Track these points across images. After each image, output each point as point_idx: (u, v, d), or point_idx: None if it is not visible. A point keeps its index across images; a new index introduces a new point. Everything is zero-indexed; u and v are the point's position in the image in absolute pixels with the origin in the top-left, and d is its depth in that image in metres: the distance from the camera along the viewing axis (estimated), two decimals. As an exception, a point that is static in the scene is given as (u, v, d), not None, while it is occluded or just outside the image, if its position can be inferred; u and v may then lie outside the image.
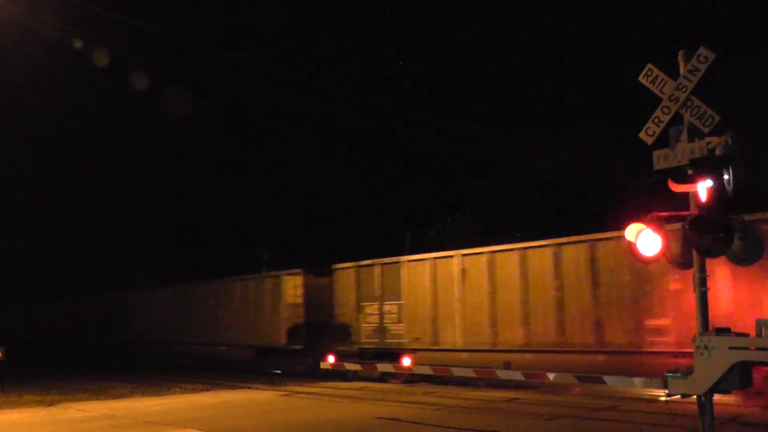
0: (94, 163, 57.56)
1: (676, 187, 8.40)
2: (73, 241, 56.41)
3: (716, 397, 8.09)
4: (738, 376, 7.63)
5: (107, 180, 58.87)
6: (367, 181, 46.10)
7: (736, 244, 7.91)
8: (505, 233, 25.64)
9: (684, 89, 8.51)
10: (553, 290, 16.89)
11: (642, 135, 8.80)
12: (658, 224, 8.19)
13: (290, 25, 62.66)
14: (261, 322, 25.50)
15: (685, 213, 8.36)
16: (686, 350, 11.19)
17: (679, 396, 8.21)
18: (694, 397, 7.98)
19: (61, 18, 15.85)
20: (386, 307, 20.96)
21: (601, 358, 15.74)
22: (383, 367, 16.41)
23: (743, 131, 8.29)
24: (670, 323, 14.64)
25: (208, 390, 19.50)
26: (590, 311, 16.17)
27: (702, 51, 8.43)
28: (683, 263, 8.51)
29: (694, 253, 8.22)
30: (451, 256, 19.45)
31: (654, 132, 8.73)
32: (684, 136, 8.56)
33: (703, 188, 7.91)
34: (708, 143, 8.28)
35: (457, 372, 15.73)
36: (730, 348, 7.58)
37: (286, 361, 24.39)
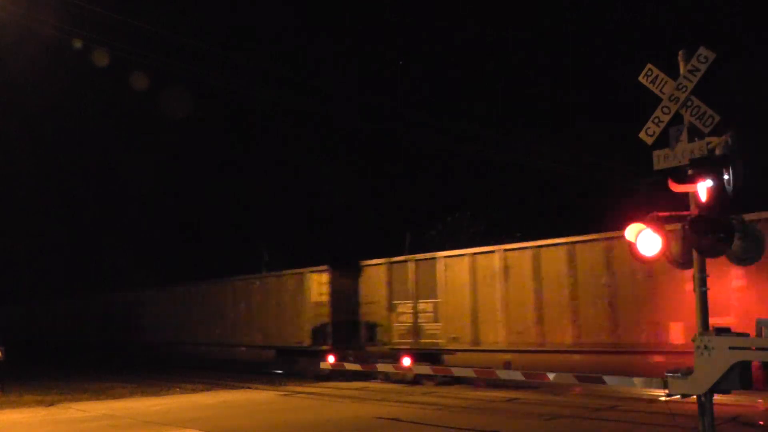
0: (94, 163, 57.55)
1: (676, 187, 8.40)
2: (73, 241, 56.41)
3: (716, 397, 8.10)
4: (738, 376, 7.63)
5: (107, 180, 58.85)
6: (367, 181, 46.10)
7: (736, 244, 7.92)
8: (505, 233, 25.63)
9: (684, 89, 8.51)
10: (605, 287, 15.98)
11: (642, 135, 8.81)
12: (658, 224, 8.19)
13: (290, 25, 62.68)
14: (282, 321, 24.51)
15: (685, 213, 8.37)
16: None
17: (679, 396, 8.22)
18: (694, 397, 7.98)
19: (61, 18, 15.87)
20: (421, 306, 19.97)
21: (657, 359, 14.84)
22: (383, 367, 16.42)
23: (743, 131, 8.30)
24: (734, 323, 14.03)
25: (208, 390, 19.50)
26: (646, 310, 15.21)
27: (702, 51, 8.44)
28: (683, 263, 8.52)
29: (694, 253, 8.22)
30: (493, 251, 18.48)
31: (654, 132, 8.74)
32: (684, 136, 8.57)
33: (703, 188, 7.92)
34: (708, 143, 8.29)
35: (457, 372, 15.78)
36: (730, 348, 7.59)
37: (310, 362, 22.24)
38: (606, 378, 10.80)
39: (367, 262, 21.93)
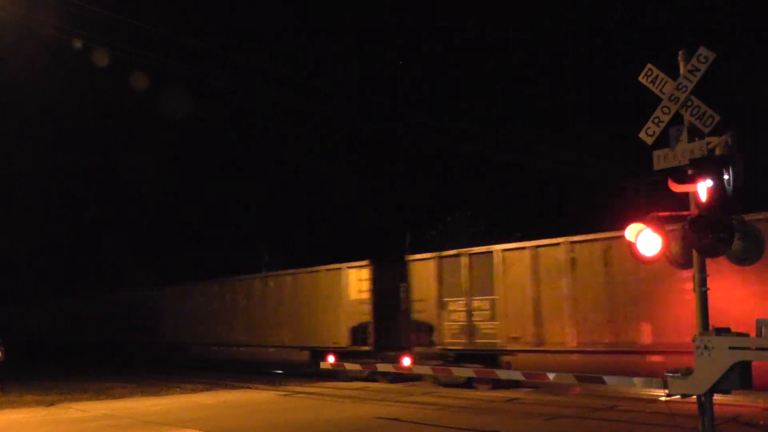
0: (94, 163, 57.57)
1: (676, 187, 8.40)
2: (73, 241, 56.44)
3: (716, 397, 8.10)
4: (738, 376, 7.63)
5: (107, 180, 58.88)
6: (367, 181, 46.13)
7: (736, 244, 7.92)
8: (505, 233, 25.63)
9: (684, 89, 8.51)
10: (686, 282, 14.03)
11: (642, 135, 8.81)
12: (658, 224, 8.19)
13: (290, 25, 62.70)
14: (316, 321, 23.04)
15: (685, 213, 8.37)
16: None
17: (679, 396, 8.22)
18: (694, 397, 7.98)
19: (61, 18, 15.86)
20: (475, 303, 18.50)
21: None
22: (383, 367, 16.42)
23: (743, 131, 8.31)
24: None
25: (208, 390, 19.50)
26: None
27: (702, 51, 8.44)
28: (683, 263, 8.52)
29: (694, 253, 8.22)
30: (557, 244, 16.98)
31: (654, 132, 8.74)
32: (684, 136, 8.57)
33: (703, 188, 7.92)
34: (708, 143, 8.29)
35: (457, 372, 15.78)
36: (730, 348, 7.59)
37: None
38: (606, 378, 10.82)
39: (413, 256, 20.65)
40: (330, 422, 13.12)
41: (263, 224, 45.10)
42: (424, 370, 16.14)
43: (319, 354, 21.66)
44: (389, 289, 21.01)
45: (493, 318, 18.08)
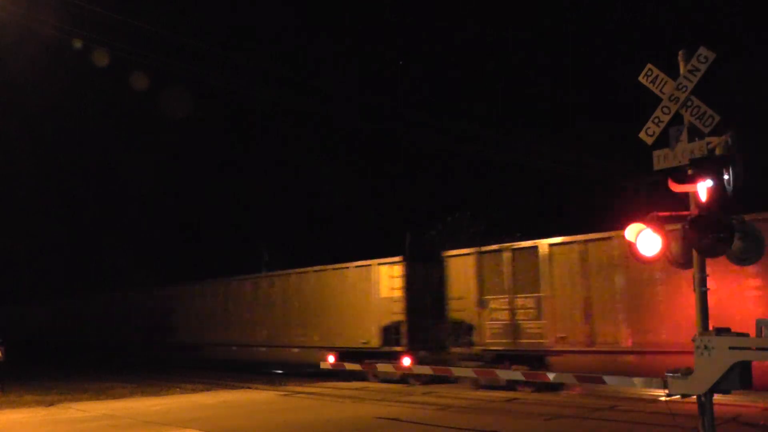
0: (94, 163, 57.56)
1: (676, 187, 8.41)
2: (73, 241, 56.45)
3: (716, 397, 8.10)
4: (738, 376, 7.63)
5: (107, 180, 58.86)
6: (367, 181, 46.13)
7: (736, 244, 7.92)
8: (505, 233, 25.63)
9: (684, 89, 8.51)
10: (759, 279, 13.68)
11: (642, 135, 8.81)
12: (658, 224, 8.19)
13: (290, 25, 62.68)
14: (344, 320, 22.10)
15: (685, 213, 8.37)
16: None
17: (679, 396, 8.22)
18: (694, 397, 7.99)
19: (61, 18, 15.86)
20: (519, 301, 17.57)
21: None
22: (383, 367, 16.43)
23: (743, 131, 8.30)
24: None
25: (208, 390, 19.51)
26: None
27: (702, 51, 8.44)
28: (683, 263, 8.52)
29: (694, 253, 8.22)
30: (610, 238, 15.97)
31: (654, 132, 8.74)
32: (684, 136, 8.57)
33: (703, 188, 7.92)
34: (708, 143, 8.29)
35: (457, 372, 15.77)
36: (730, 348, 7.59)
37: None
38: (606, 378, 10.83)
39: (450, 252, 19.67)
40: (330, 422, 13.12)
41: (263, 224, 45.14)
42: (424, 370, 16.11)
43: (348, 355, 20.82)
44: (423, 287, 20.29)
45: (539, 317, 17.18)
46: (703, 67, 8.43)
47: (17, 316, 46.01)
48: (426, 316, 20.01)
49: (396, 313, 20.35)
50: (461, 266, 19.16)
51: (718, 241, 7.75)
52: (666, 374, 8.10)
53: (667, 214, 8.44)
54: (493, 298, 18.22)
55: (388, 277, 20.77)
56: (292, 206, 47.86)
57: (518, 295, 17.68)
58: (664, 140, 8.73)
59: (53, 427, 13.13)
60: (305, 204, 47.63)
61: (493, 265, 18.38)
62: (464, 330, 18.81)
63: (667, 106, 8.65)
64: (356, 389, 18.91)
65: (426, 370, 15.88)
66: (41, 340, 42.50)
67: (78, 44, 18.90)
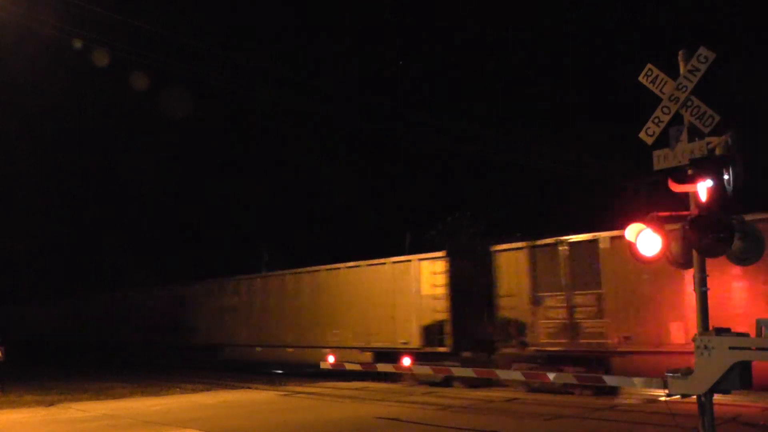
0: (94, 163, 57.54)
1: (676, 187, 8.41)
2: (73, 241, 56.46)
3: (716, 397, 8.10)
4: (738, 376, 7.63)
5: (107, 180, 58.84)
6: (367, 181, 46.09)
7: (736, 244, 7.92)
8: (505, 233, 25.64)
9: (684, 89, 8.51)
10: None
11: (642, 135, 8.81)
12: (658, 224, 8.19)
13: (290, 25, 62.61)
14: (380, 319, 21.01)
15: (685, 213, 8.37)
16: None
17: (679, 396, 8.22)
18: (694, 397, 7.98)
19: (61, 18, 15.84)
20: (578, 299, 16.49)
21: None
22: (383, 367, 16.34)
23: (743, 131, 8.30)
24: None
25: (208, 390, 19.51)
26: None
27: (702, 51, 8.43)
28: (683, 263, 8.52)
29: (694, 253, 8.22)
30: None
31: (654, 132, 8.73)
32: (684, 136, 8.56)
33: (703, 188, 7.92)
34: (708, 143, 8.29)
35: (457, 372, 15.74)
36: (730, 348, 7.58)
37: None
38: (606, 378, 10.84)
39: (499, 246, 18.57)
40: (330, 422, 13.12)
41: (263, 224, 45.12)
42: (424, 370, 16.03)
43: (387, 356, 19.47)
44: (468, 283, 19.18)
45: (600, 315, 16.13)
46: (703, 67, 8.43)
47: (17, 316, 46.01)
48: (471, 314, 18.98)
49: (439, 311, 19.38)
50: (511, 261, 18.18)
51: (718, 241, 7.75)
52: (666, 374, 8.10)
53: (667, 214, 8.44)
54: (548, 295, 17.13)
55: (430, 274, 19.80)
56: (292, 206, 47.87)
57: (577, 292, 16.60)
58: (664, 140, 8.73)
59: (53, 427, 13.13)
60: (305, 204, 47.63)
61: (547, 260, 17.30)
62: (515, 329, 17.79)
63: (667, 106, 8.65)
64: (356, 389, 18.91)
65: (426, 370, 15.58)
66: (41, 340, 42.50)
67: (78, 44, 18.89)
